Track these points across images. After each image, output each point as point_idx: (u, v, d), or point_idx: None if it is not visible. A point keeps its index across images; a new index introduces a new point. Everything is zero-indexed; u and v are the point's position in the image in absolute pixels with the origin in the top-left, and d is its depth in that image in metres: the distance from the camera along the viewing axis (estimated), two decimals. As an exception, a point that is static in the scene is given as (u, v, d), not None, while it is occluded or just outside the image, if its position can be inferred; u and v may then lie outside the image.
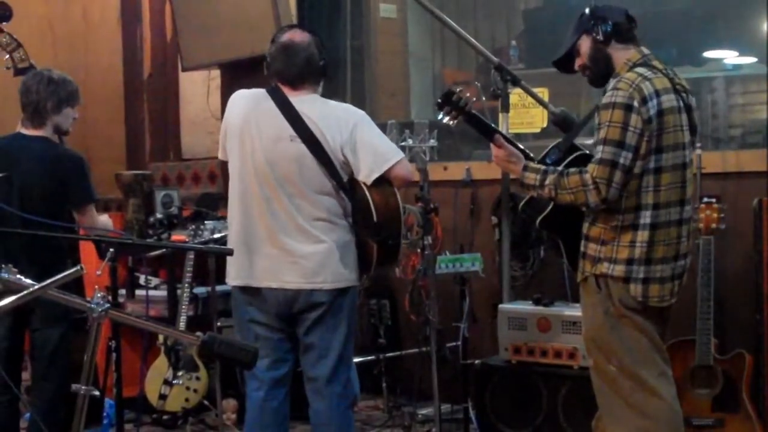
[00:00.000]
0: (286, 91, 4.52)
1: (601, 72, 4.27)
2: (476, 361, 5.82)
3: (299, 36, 4.56)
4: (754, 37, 6.66)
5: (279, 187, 4.45)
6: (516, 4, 8.20)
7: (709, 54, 7.02)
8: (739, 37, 6.86)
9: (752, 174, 5.74)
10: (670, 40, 6.91)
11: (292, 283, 4.47)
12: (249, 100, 4.60)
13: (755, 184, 5.64)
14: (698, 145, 5.66)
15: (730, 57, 6.95)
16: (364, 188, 4.46)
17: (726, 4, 6.89)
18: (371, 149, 4.45)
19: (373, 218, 4.45)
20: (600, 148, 4.06)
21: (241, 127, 4.53)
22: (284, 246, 4.46)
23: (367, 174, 4.44)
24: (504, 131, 5.44)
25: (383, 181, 4.47)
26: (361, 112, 4.62)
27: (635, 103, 4.03)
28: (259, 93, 4.59)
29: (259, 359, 4.49)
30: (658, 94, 4.08)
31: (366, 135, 4.48)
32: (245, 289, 4.59)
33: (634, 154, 4.03)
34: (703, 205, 5.31)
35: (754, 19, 6.67)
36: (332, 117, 4.47)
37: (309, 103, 4.48)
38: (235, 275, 4.61)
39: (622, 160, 4.02)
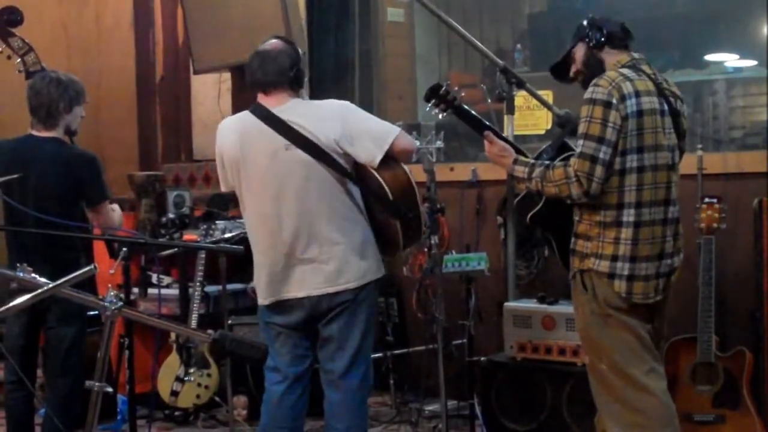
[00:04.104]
0: (265, 101, 4.56)
1: (593, 75, 4.36)
2: (482, 358, 5.87)
3: (271, 45, 4.62)
4: (755, 40, 6.66)
5: (289, 199, 4.49)
6: (521, 7, 8.18)
7: (710, 57, 7.03)
8: (739, 41, 6.85)
9: (753, 175, 5.79)
10: (672, 44, 6.94)
11: (317, 290, 4.52)
12: (236, 126, 4.64)
13: (755, 184, 5.70)
14: (699, 146, 5.76)
15: (731, 60, 6.94)
16: (372, 170, 4.50)
17: (727, 7, 6.88)
18: (367, 134, 4.49)
19: (388, 197, 4.50)
20: (581, 142, 4.19)
21: (236, 155, 4.58)
22: (303, 256, 4.51)
23: (370, 159, 4.47)
24: (509, 133, 5.55)
25: (387, 158, 4.50)
26: (345, 102, 4.67)
27: (614, 100, 4.14)
28: (243, 116, 4.64)
29: (280, 356, 4.61)
30: (638, 94, 4.19)
31: (357, 122, 4.52)
32: (273, 303, 4.65)
33: (613, 149, 4.15)
34: (704, 206, 5.34)
35: (754, 22, 6.66)
36: (318, 115, 4.51)
37: (291, 110, 4.51)
38: (262, 296, 4.67)
39: (602, 155, 4.14)
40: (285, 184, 4.50)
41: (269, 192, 4.53)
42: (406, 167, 4.60)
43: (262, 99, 4.59)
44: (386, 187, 4.49)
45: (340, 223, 4.52)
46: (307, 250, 4.51)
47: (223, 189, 4.80)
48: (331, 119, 4.49)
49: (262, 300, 4.68)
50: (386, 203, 4.52)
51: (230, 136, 4.64)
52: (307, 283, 4.53)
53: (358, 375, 4.63)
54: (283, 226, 4.52)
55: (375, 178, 4.51)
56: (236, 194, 4.73)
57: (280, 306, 4.63)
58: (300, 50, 4.69)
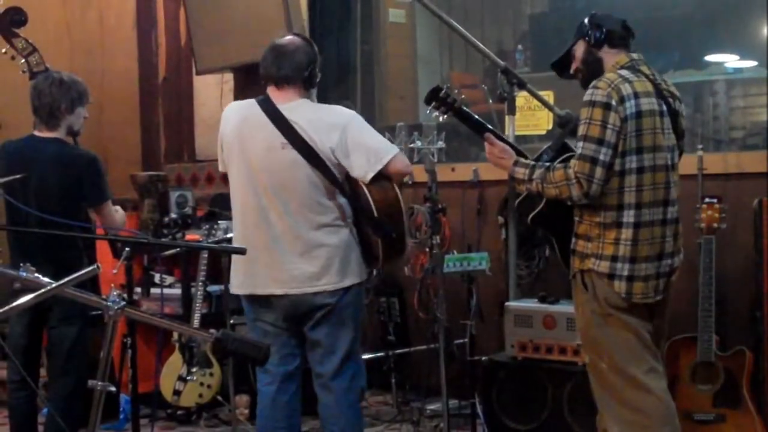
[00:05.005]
0: (274, 95, 4.56)
1: (592, 74, 4.39)
2: (483, 358, 5.88)
3: (289, 40, 4.62)
4: (755, 41, 6.67)
5: (275, 195, 4.50)
6: (522, 8, 8.21)
7: (710, 58, 7.04)
8: (739, 41, 6.85)
9: (753, 175, 5.80)
10: (673, 44, 6.94)
11: (295, 289, 4.53)
12: (239, 112, 4.65)
13: (756, 184, 5.71)
14: (699, 146, 5.77)
15: (731, 61, 6.94)
16: (363, 185, 4.51)
17: (727, 8, 6.90)
18: (363, 150, 4.48)
19: (373, 214, 4.50)
20: (580, 144, 4.21)
21: (234, 140, 4.59)
22: (283, 254, 4.52)
23: (362, 175, 4.48)
24: (510, 133, 5.57)
25: (381, 176, 4.49)
26: (351, 113, 4.64)
27: (613, 102, 4.16)
28: (249, 104, 4.63)
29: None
30: (636, 96, 4.21)
31: (357, 136, 4.50)
32: (250, 297, 4.68)
33: (613, 150, 4.17)
34: (704, 206, 5.34)
35: (754, 23, 6.67)
36: (321, 121, 4.50)
37: (297, 110, 4.51)
38: (238, 285, 4.69)
39: (602, 157, 4.15)
40: (276, 180, 4.51)
41: (258, 185, 4.54)
42: (396, 187, 4.59)
43: (272, 92, 4.59)
44: (372, 205, 4.50)
45: (325, 228, 4.53)
46: (287, 248, 4.52)
47: (221, 170, 4.80)
48: (333, 128, 4.48)
49: (236, 289, 4.70)
50: (370, 220, 4.53)
51: (232, 121, 4.65)
52: (287, 282, 4.54)
53: (348, 377, 4.67)
54: (268, 221, 4.54)
55: (364, 193, 4.51)
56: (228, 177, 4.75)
57: (257, 300, 4.65)
58: (317, 49, 4.68)
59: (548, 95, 6.03)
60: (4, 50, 5.86)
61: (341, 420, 4.66)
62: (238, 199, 4.66)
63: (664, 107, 4.31)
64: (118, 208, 5.37)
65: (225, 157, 4.69)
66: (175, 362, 6.70)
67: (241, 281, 4.69)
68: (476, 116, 4.67)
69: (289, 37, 4.67)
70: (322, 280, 4.53)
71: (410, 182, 6.29)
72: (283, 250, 4.53)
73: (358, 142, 4.49)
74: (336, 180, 4.51)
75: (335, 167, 4.49)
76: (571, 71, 4.58)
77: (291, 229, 4.52)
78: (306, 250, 4.52)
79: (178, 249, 6.72)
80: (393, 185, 4.57)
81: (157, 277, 7.19)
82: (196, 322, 6.53)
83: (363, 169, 4.48)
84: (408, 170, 4.70)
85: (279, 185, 4.50)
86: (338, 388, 4.65)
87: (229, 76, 8.22)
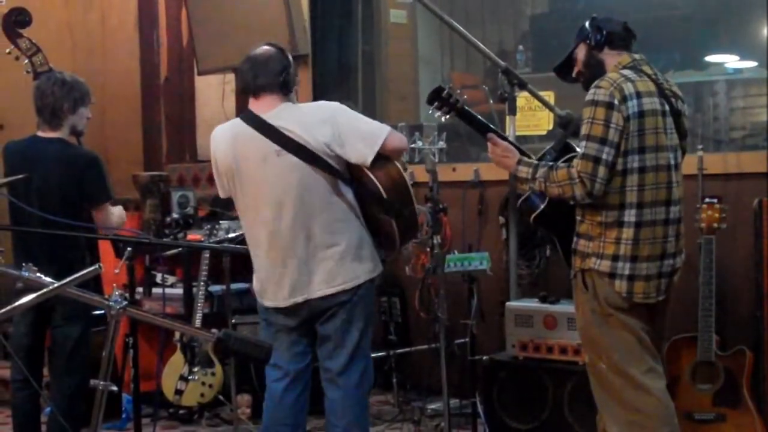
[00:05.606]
0: (255, 106, 4.59)
1: (594, 76, 4.39)
2: (484, 357, 5.88)
3: (262, 50, 4.64)
4: (755, 41, 6.69)
5: (284, 204, 4.51)
6: (523, 9, 8.22)
7: (711, 58, 7.07)
8: (740, 42, 6.88)
9: (753, 175, 5.80)
10: (673, 45, 6.96)
11: (316, 292, 4.55)
12: (227, 134, 4.66)
13: (756, 184, 5.72)
14: (700, 146, 5.78)
15: (731, 61, 6.98)
16: (366, 170, 4.52)
17: (727, 8, 6.93)
18: (357, 136, 4.49)
19: (382, 196, 4.51)
20: (583, 143, 4.21)
21: (230, 163, 4.60)
22: (299, 262, 4.54)
23: (362, 160, 4.49)
24: (511, 133, 5.58)
25: (379, 156, 4.50)
26: (335, 104, 4.65)
27: (616, 101, 4.17)
28: (234, 123, 4.67)
29: (280, 353, 4.63)
30: (639, 95, 4.22)
31: (347, 124, 4.52)
32: (274, 309, 4.70)
33: (616, 150, 4.18)
34: (704, 206, 5.34)
35: (754, 24, 6.69)
36: (308, 119, 4.52)
37: (282, 114, 4.53)
38: (265, 297, 4.71)
39: (604, 156, 4.16)
40: (279, 189, 4.52)
41: (264, 198, 4.56)
42: (398, 164, 4.62)
43: (253, 104, 4.62)
44: (380, 186, 4.52)
45: (335, 225, 4.54)
46: (304, 253, 4.54)
47: (222, 196, 4.81)
48: (322, 122, 4.50)
49: (265, 301, 4.72)
50: (381, 202, 4.54)
51: (222, 144, 4.67)
52: (306, 287, 4.55)
53: (357, 372, 4.66)
54: (279, 231, 4.55)
55: (369, 177, 4.53)
56: (233, 200, 4.76)
57: (281, 310, 4.67)
58: (290, 56, 4.71)
59: (549, 96, 6.04)
60: (8, 50, 5.87)
61: (347, 416, 4.65)
62: (250, 216, 4.67)
63: (667, 107, 4.32)
64: (116, 209, 5.37)
65: (226, 182, 4.70)
66: (176, 362, 6.71)
67: (264, 293, 4.70)
68: (479, 116, 4.68)
69: (263, 48, 4.69)
70: (338, 279, 4.54)
71: (410, 182, 6.32)
72: (297, 258, 4.54)
73: (350, 130, 4.51)
74: (338, 172, 4.52)
75: (333, 160, 4.50)
76: (574, 75, 4.59)
77: (302, 234, 4.53)
78: (320, 252, 4.53)
79: (179, 249, 6.73)
80: (394, 162, 4.60)
81: (159, 277, 7.19)
82: (197, 322, 6.54)
83: (361, 155, 4.49)
84: (404, 145, 4.72)
85: (283, 193, 4.52)
86: (346, 384, 4.65)
87: (230, 77, 8.20)
